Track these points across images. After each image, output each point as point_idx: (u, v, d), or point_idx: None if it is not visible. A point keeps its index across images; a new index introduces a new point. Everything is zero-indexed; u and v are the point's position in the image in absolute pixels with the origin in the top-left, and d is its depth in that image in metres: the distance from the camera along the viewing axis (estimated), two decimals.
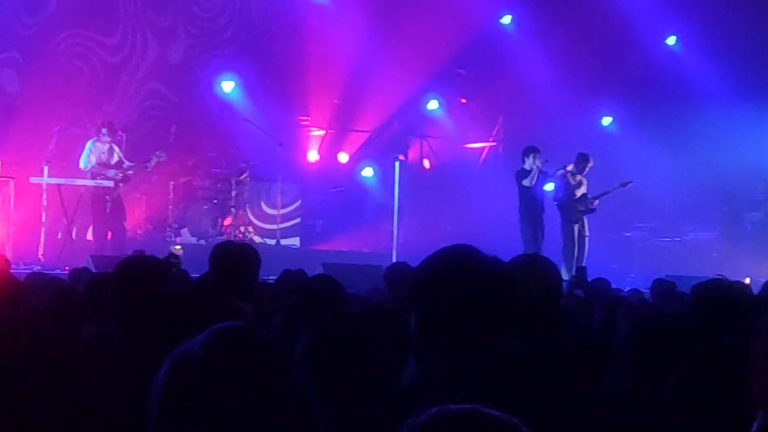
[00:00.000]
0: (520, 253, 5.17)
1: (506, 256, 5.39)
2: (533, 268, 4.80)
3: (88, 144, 17.47)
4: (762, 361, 1.17)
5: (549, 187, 19.51)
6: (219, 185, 19.81)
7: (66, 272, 13.62)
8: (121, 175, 17.25)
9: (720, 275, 9.35)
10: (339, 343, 3.58)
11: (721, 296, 5.29)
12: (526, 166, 18.28)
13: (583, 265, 18.28)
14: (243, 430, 2.21)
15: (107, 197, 17.14)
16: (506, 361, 3.58)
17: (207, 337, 2.30)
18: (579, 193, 18.70)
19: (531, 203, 18.20)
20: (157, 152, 17.84)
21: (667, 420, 2.53)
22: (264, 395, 2.26)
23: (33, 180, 17.58)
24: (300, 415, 2.34)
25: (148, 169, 17.95)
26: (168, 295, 3.87)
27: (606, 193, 18.88)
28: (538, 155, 18.25)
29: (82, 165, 17.34)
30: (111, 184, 17.15)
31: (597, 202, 18.70)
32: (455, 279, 3.22)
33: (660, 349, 3.77)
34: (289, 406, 2.31)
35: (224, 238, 18.86)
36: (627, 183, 19.05)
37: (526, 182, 18.18)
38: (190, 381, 2.23)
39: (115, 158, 17.37)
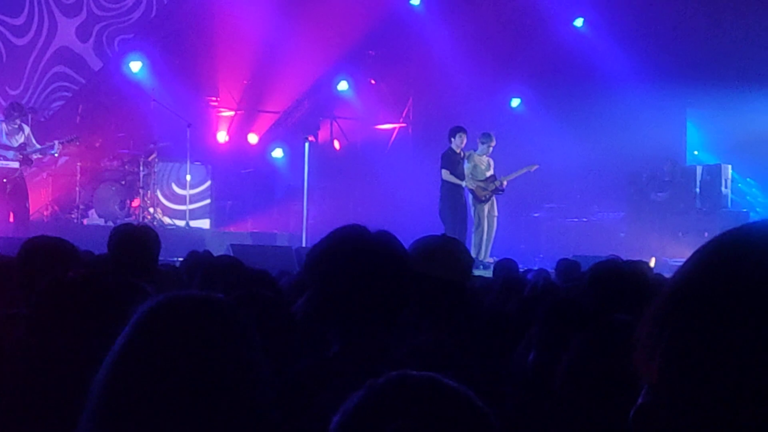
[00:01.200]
0: (432, 233, 5.15)
1: (415, 237, 5.44)
2: (444, 249, 4.84)
3: None
4: (645, 336, 1.20)
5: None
6: (127, 166, 19.62)
7: None
8: (21, 157, 17.00)
9: (614, 255, 9.47)
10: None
11: (614, 275, 5.40)
12: (453, 146, 18.35)
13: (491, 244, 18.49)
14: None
15: (4, 179, 16.89)
16: (417, 341, 3.62)
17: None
18: (487, 173, 18.82)
19: (454, 185, 18.29)
20: (66, 138, 17.60)
21: (563, 396, 2.57)
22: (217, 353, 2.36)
23: None
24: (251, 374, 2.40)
25: (55, 155, 17.73)
26: (71, 279, 3.86)
27: (513, 174, 19.02)
28: (464, 135, 18.36)
29: None
30: (16, 165, 16.92)
31: (505, 183, 18.83)
32: (346, 257, 3.27)
33: (559, 328, 3.83)
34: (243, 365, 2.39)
35: (132, 219, 18.71)
36: (533, 166, 19.23)
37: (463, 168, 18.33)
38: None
39: (21, 140, 17.11)
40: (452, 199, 18.20)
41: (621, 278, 5.28)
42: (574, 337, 2.81)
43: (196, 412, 2.31)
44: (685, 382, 1.16)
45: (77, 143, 17.99)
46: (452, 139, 18.40)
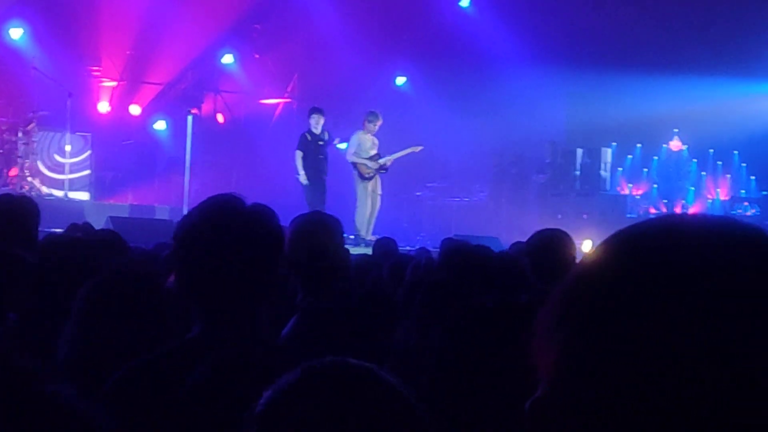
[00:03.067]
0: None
1: (297, 212, 5.43)
2: (320, 225, 4.84)
3: None
4: (543, 327, 1.20)
5: (343, 145, 19.63)
6: (5, 135, 19.23)
7: None
8: None
9: (494, 237, 9.58)
10: (116, 296, 3.57)
11: (463, 254, 5.50)
12: (311, 128, 18.37)
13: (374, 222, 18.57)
14: None
15: None
16: (298, 316, 3.59)
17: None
18: (372, 152, 18.86)
19: (312, 163, 18.34)
20: None
21: (435, 380, 2.58)
22: None
23: None
24: None
25: None
26: None
27: (397, 154, 19.08)
28: (320, 116, 18.39)
29: None
30: None
31: (389, 162, 18.90)
32: (215, 229, 3.06)
33: (429, 306, 3.85)
34: None
35: (10, 189, 18.35)
36: (417, 147, 19.31)
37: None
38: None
39: None
40: (312, 178, 18.27)
41: (468, 257, 5.41)
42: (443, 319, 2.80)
43: None
44: (578, 380, 1.15)
45: None
46: (309, 120, 18.43)
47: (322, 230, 4.68)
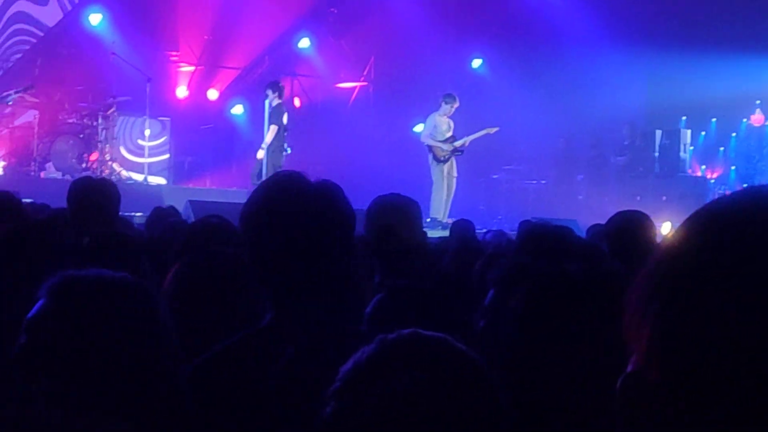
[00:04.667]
0: (391, 192, 5.09)
1: (374, 196, 5.42)
2: (399, 207, 4.84)
3: None
4: (634, 302, 1.19)
5: (419, 128, 19.63)
6: (85, 120, 19.46)
7: None
8: None
9: (573, 219, 9.52)
10: (207, 279, 3.60)
11: (543, 235, 5.45)
12: (273, 102, 18.32)
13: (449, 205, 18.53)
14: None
15: None
16: (380, 298, 3.57)
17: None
18: (447, 134, 18.83)
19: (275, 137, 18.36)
20: (21, 87, 17.47)
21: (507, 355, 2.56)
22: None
23: None
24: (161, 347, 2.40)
25: (9, 104, 17.54)
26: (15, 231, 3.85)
27: (472, 136, 19.03)
28: (280, 91, 18.33)
29: None
30: None
31: (466, 143, 18.86)
32: (279, 211, 2.89)
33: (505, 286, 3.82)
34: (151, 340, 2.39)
35: (90, 173, 18.57)
36: (493, 128, 19.24)
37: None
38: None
39: None
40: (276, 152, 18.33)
41: (548, 238, 5.37)
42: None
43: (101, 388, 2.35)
44: (673, 354, 1.14)
45: (33, 91, 17.84)
46: (275, 94, 18.29)
47: (401, 212, 4.66)
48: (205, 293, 3.52)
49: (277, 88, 18.31)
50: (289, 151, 18.43)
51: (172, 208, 9.86)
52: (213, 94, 23.38)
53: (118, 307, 2.46)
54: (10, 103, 17.44)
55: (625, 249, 6.15)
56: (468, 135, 18.93)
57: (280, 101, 18.20)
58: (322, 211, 2.89)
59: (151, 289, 2.56)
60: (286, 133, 18.30)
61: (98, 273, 2.53)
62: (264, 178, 17.75)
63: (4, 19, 21.05)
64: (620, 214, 6.59)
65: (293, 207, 2.87)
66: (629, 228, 6.32)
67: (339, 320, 2.93)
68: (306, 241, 2.86)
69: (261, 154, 18.16)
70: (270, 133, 18.03)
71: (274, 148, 18.17)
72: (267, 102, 18.17)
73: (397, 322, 2.63)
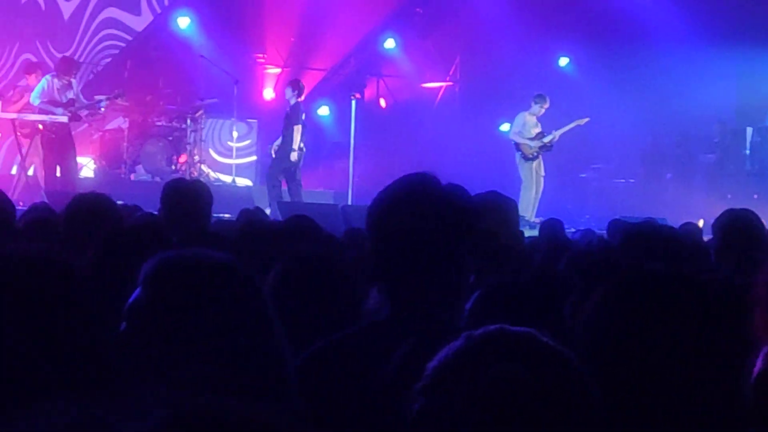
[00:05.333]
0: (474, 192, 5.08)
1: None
2: (497, 206, 4.82)
3: (43, 80, 17.29)
4: (765, 297, 1.17)
5: (505, 127, 19.60)
6: (174, 122, 19.67)
7: (21, 207, 13.54)
8: (69, 113, 17.07)
9: (663, 219, 9.45)
10: (303, 279, 3.62)
11: (649, 235, 5.38)
12: (291, 100, 18.37)
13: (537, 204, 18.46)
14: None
15: (53, 135, 16.98)
16: (478, 296, 3.56)
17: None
18: (535, 131, 18.80)
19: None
20: (112, 93, 17.69)
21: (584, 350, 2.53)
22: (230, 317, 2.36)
23: None
24: (265, 338, 2.40)
25: (101, 111, 17.79)
26: (131, 228, 3.91)
27: (564, 128, 18.97)
28: (299, 90, 18.33)
29: (31, 100, 17.19)
30: (65, 119, 17.00)
31: (557, 137, 18.83)
32: (409, 210, 2.95)
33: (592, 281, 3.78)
34: (256, 329, 2.39)
35: (179, 175, 18.76)
36: (584, 119, 19.16)
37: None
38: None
39: (70, 95, 17.19)
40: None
41: (654, 240, 5.29)
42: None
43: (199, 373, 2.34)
44: None
45: (123, 98, 18.08)
46: (294, 93, 18.34)
47: (499, 211, 4.64)
48: (306, 294, 3.54)
49: (296, 86, 18.37)
50: (304, 150, 18.51)
51: (259, 209, 9.93)
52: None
53: (218, 285, 2.45)
54: (102, 110, 17.66)
55: (734, 247, 6.10)
56: (556, 130, 18.91)
57: (298, 100, 18.26)
58: (450, 214, 2.96)
59: (252, 273, 2.54)
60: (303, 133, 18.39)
61: (195, 253, 2.53)
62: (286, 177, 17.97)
63: (94, 24, 21.34)
64: (731, 212, 6.57)
65: (422, 207, 2.94)
66: (740, 226, 6.29)
67: (449, 317, 2.98)
68: (432, 241, 2.93)
69: (294, 156, 18.21)
70: (296, 134, 18.11)
71: (292, 148, 18.26)
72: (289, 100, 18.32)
73: (495, 318, 2.62)
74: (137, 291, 2.47)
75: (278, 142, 18.41)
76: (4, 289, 2.30)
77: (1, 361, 1.85)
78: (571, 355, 1.95)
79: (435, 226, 2.95)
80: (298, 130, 18.07)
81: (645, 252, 5.14)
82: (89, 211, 5.56)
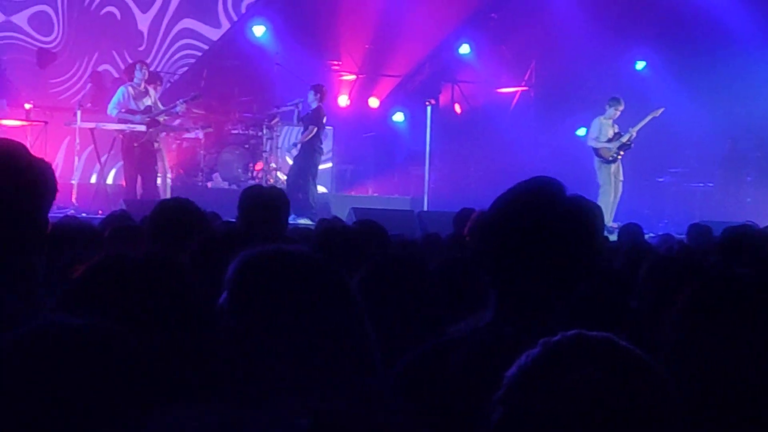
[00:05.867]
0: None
1: None
2: (585, 211, 4.77)
3: (120, 90, 17.49)
4: None
5: (581, 132, 19.51)
6: (250, 130, 19.79)
7: (100, 216, 13.71)
8: (147, 119, 17.25)
9: (750, 222, 9.31)
10: (387, 282, 3.62)
11: (748, 240, 5.29)
12: (313, 104, 18.39)
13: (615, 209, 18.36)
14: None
15: (135, 143, 17.17)
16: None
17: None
18: (611, 133, 18.75)
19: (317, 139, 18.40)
20: (189, 96, 17.86)
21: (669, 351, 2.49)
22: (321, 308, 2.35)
23: (66, 124, 17.72)
24: (356, 330, 2.39)
25: (178, 114, 17.91)
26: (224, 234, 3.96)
27: (640, 123, 18.90)
28: (322, 94, 18.37)
29: (108, 111, 17.39)
30: (143, 128, 17.18)
31: (633, 134, 18.74)
32: (534, 214, 2.90)
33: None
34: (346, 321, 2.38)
35: (256, 182, 18.87)
36: (658, 110, 19.08)
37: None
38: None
39: (147, 102, 17.37)
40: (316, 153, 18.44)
41: (756, 244, 5.20)
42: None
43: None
44: None
45: (199, 100, 18.23)
46: (316, 96, 18.31)
47: (587, 217, 4.58)
48: (389, 298, 3.55)
49: (319, 90, 18.42)
50: (323, 152, 18.62)
51: (336, 218, 9.96)
52: (374, 102, 23.57)
53: (304, 276, 2.43)
54: (180, 112, 17.80)
55: None
56: (632, 126, 18.85)
57: (320, 104, 18.29)
58: (571, 228, 2.92)
59: (339, 267, 2.52)
60: (323, 135, 18.43)
61: (278, 248, 2.52)
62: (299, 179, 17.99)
63: (171, 34, 21.56)
64: None
65: (543, 215, 2.91)
66: None
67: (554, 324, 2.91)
68: (547, 252, 2.88)
69: (295, 151, 18.35)
70: (308, 134, 18.15)
71: (315, 149, 18.28)
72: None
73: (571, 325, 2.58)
74: (225, 293, 2.46)
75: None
76: (134, 290, 2.31)
77: (131, 361, 1.85)
78: (651, 359, 1.94)
79: (551, 239, 2.89)
80: (311, 132, 18.18)
81: (739, 256, 5.07)
82: (175, 217, 5.60)
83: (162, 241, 5.38)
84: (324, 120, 18.34)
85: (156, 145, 17.44)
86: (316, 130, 18.19)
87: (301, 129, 18.55)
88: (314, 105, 18.30)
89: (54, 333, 1.72)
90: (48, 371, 1.67)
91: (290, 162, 20.55)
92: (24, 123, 17.78)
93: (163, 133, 18.00)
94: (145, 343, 1.79)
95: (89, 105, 18.57)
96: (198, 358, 2.27)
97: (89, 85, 19.96)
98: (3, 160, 2.87)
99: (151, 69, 18.83)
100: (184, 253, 4.13)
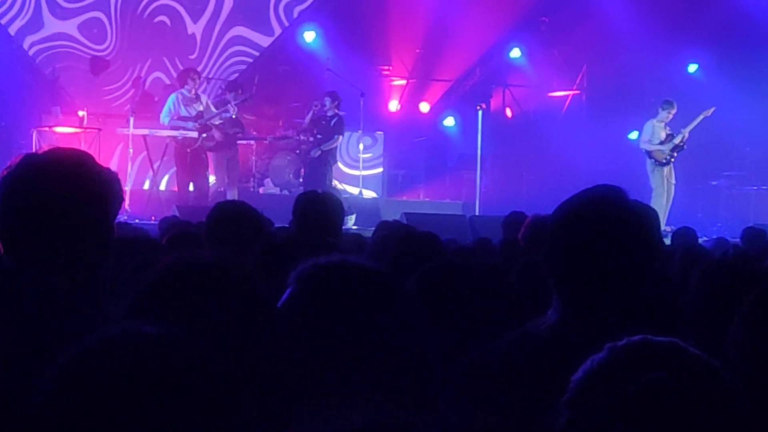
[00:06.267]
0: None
1: None
2: (641, 216, 4.76)
3: (170, 98, 17.63)
4: None
5: (634, 135, 19.43)
6: (302, 135, 19.86)
7: (153, 222, 13.81)
8: (199, 126, 17.35)
9: (757, 224, 9.23)
10: (444, 289, 3.63)
11: None
12: (330, 111, 18.46)
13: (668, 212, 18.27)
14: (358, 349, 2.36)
15: (188, 149, 17.29)
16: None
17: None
18: (664, 135, 18.68)
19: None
20: (240, 98, 17.97)
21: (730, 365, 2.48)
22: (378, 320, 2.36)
23: (119, 131, 17.87)
24: (414, 340, 2.39)
25: (231, 117, 18.00)
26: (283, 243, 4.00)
27: (690, 125, 18.81)
28: (339, 102, 18.51)
29: (161, 119, 17.53)
30: (194, 134, 17.29)
31: (686, 135, 18.66)
32: (599, 221, 2.99)
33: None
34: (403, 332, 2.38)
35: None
36: (709, 110, 18.99)
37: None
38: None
39: (199, 108, 17.48)
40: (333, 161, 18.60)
41: None
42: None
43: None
44: None
45: (250, 101, 18.32)
46: (334, 104, 18.46)
47: (648, 223, 4.58)
48: (443, 302, 3.56)
49: (336, 98, 18.50)
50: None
51: (397, 221, 9.99)
52: (425, 107, 23.57)
53: (369, 289, 2.44)
54: (234, 116, 17.91)
55: None
56: (684, 128, 18.78)
57: (339, 112, 18.41)
58: (634, 233, 3.00)
59: (399, 279, 2.53)
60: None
61: (343, 259, 2.53)
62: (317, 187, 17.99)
63: (223, 41, 21.68)
64: None
65: (608, 222, 2.99)
66: None
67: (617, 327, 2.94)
68: (611, 258, 2.96)
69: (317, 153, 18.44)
70: (332, 142, 18.25)
71: (334, 157, 18.41)
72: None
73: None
74: (288, 292, 2.47)
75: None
76: (204, 294, 2.32)
77: (209, 368, 1.86)
78: (716, 364, 1.94)
79: (622, 240, 2.98)
80: (337, 140, 18.31)
81: None
82: (232, 219, 5.64)
83: (221, 243, 5.42)
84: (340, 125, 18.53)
85: (230, 152, 17.69)
86: (341, 138, 18.37)
87: (316, 133, 18.58)
88: (331, 113, 18.39)
89: (129, 340, 1.72)
90: (124, 380, 1.67)
91: (343, 168, 20.65)
92: (78, 130, 17.95)
93: (215, 142, 18.05)
94: (221, 349, 1.80)
95: (127, 108, 18.70)
96: (266, 362, 2.28)
97: (132, 90, 20.10)
98: (73, 170, 2.91)
99: (203, 75, 18.96)
100: (246, 257, 4.16)
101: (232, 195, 17.43)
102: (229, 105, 17.73)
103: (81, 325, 2.44)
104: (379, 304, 2.43)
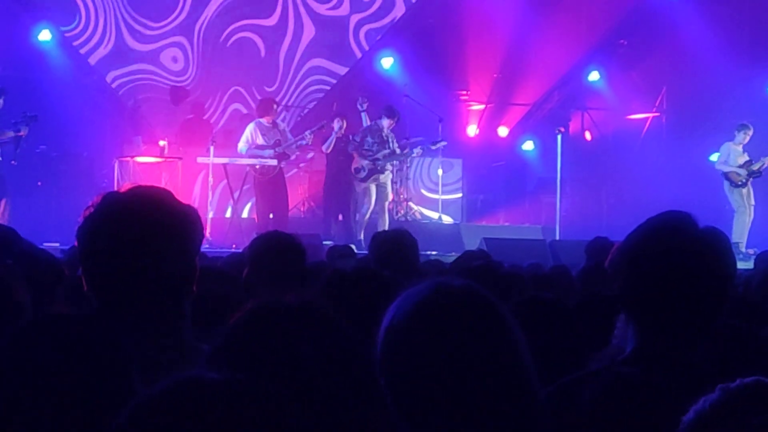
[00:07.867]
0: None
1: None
2: (715, 242, 4.73)
3: (248, 127, 17.78)
4: None
5: (714, 157, 19.27)
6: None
7: (234, 249, 13.93)
8: (276, 153, 17.48)
9: None
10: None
11: None
12: (340, 131, 18.34)
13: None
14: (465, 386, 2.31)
15: (265, 178, 17.41)
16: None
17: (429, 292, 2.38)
18: (742, 160, 18.51)
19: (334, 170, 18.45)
20: (315, 126, 18.12)
21: None
22: (483, 351, 2.31)
23: (200, 160, 18.03)
24: (518, 373, 2.36)
25: (307, 144, 18.10)
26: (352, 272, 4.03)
27: None
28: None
29: (239, 149, 17.68)
30: (274, 162, 17.41)
31: (765, 163, 18.48)
32: (669, 250, 2.96)
33: None
34: (507, 364, 2.34)
35: (388, 213, 18.93)
36: None
37: (324, 147, 18.43)
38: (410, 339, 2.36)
39: (276, 137, 17.60)
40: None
41: None
42: None
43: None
44: None
45: (326, 129, 18.43)
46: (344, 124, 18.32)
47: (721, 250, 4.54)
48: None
49: (344, 118, 18.46)
50: None
51: (482, 251, 10.01)
52: (503, 131, 23.55)
53: (471, 320, 2.34)
54: (309, 143, 18.03)
55: None
56: (765, 156, 18.57)
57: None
58: (706, 261, 2.98)
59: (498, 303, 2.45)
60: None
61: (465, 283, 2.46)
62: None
63: (302, 71, 21.86)
64: None
65: (678, 250, 2.97)
66: None
67: (692, 358, 2.99)
68: (686, 286, 2.95)
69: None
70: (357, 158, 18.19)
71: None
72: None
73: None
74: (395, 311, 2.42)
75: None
76: (289, 341, 2.29)
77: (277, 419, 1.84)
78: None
79: (694, 268, 2.96)
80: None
81: None
82: (273, 250, 5.66)
83: (261, 272, 5.43)
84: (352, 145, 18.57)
85: (381, 179, 17.81)
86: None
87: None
88: (341, 133, 18.38)
89: (193, 389, 1.69)
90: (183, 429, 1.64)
91: (423, 192, 20.67)
92: (159, 159, 18.16)
93: (295, 170, 18.16)
94: (304, 399, 1.79)
95: (215, 140, 18.85)
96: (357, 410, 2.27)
97: (190, 116, 20.28)
98: (153, 207, 2.95)
99: (282, 104, 19.11)
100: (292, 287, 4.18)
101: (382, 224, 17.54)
102: (305, 133, 17.85)
103: (160, 364, 2.47)
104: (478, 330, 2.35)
